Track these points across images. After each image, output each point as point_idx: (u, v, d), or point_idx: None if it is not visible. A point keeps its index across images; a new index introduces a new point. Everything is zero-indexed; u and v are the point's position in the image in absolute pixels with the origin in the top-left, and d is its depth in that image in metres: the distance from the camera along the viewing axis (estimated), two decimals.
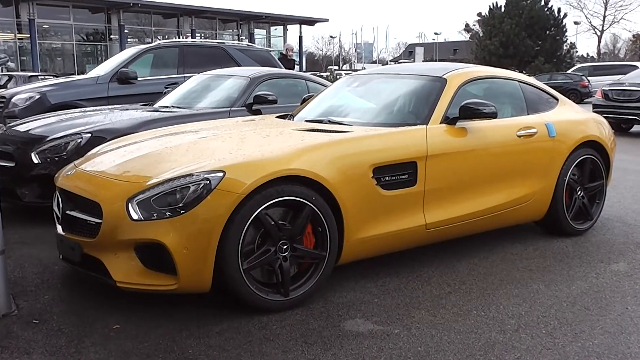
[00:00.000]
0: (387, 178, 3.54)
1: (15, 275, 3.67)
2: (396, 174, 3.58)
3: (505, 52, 37.62)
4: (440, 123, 3.92)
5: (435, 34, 74.60)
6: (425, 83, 4.28)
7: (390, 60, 67.08)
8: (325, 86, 6.24)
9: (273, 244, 3.15)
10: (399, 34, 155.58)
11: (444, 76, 4.21)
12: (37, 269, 3.84)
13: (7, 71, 22.78)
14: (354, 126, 3.97)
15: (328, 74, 34.36)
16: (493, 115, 3.93)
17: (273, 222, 3.14)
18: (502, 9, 39.09)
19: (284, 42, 45.02)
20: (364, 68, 33.29)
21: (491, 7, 40.03)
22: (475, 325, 3.04)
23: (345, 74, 6.29)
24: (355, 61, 67.76)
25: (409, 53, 75.98)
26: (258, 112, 5.88)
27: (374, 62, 69.25)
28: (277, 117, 4.76)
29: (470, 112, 3.89)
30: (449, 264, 3.99)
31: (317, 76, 9.57)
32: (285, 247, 3.19)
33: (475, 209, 4.00)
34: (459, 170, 3.90)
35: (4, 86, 16.73)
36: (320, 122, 4.22)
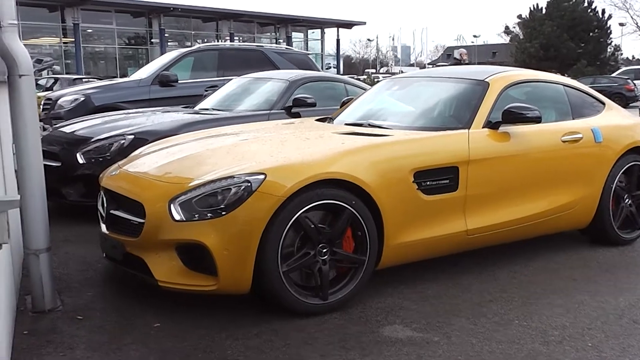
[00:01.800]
0: (428, 183, 3.50)
1: (60, 272, 3.75)
2: (437, 179, 3.54)
3: (545, 55, 36.93)
4: (483, 127, 3.86)
5: (474, 36, 73.79)
6: (467, 86, 4.23)
7: (429, 64, 66.61)
8: (364, 89, 6.22)
9: (312, 247, 3.15)
10: (437, 37, 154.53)
11: (486, 79, 4.15)
12: (81, 267, 3.92)
13: (53, 74, 23.38)
14: (394, 130, 3.94)
15: (365, 77, 34.25)
16: (537, 120, 3.85)
17: (313, 226, 3.13)
18: (543, 11, 38.43)
19: (322, 45, 45.14)
20: (402, 71, 33.07)
21: (531, 8, 39.38)
22: (517, 335, 2.97)
23: (383, 77, 6.24)
24: (393, 64, 67.53)
25: (447, 56, 75.27)
26: (297, 115, 5.89)
27: (411, 65, 68.87)
28: (317, 120, 4.76)
29: (513, 117, 3.82)
30: (489, 271, 3.92)
31: (355, 79, 9.55)
32: (324, 250, 3.18)
33: (517, 216, 3.92)
34: (501, 176, 3.83)
35: (50, 89, 17.18)
36: (360, 125, 4.20)
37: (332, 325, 3.07)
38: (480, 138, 3.78)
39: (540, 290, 3.59)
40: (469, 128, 3.81)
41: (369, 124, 4.19)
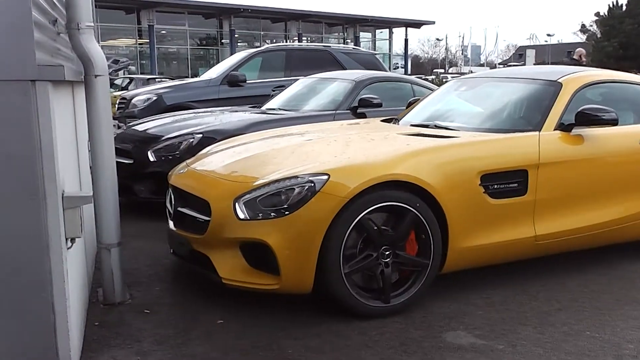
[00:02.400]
0: (495, 186, 3.41)
1: (130, 266, 3.88)
2: (505, 182, 3.44)
3: (624, 54, 35.35)
4: (554, 130, 3.72)
5: (548, 35, 71.36)
6: (539, 87, 4.09)
7: (499, 64, 65.01)
8: (431, 90, 6.13)
9: (375, 249, 3.12)
10: (508, 36, 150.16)
11: (559, 80, 4.00)
12: (150, 262, 4.05)
13: (129, 74, 24.30)
14: (461, 131, 3.86)
15: (434, 77, 33.76)
16: (613, 122, 3.68)
17: (375, 227, 3.11)
18: (623, 8, 36.74)
19: (389, 45, 44.84)
20: (471, 71, 32.37)
21: (611, 6, 37.78)
22: (588, 347, 2.85)
23: (452, 77, 6.13)
24: (462, 64, 66.24)
25: (518, 56, 73.13)
26: (363, 116, 5.88)
27: (482, 65, 67.37)
28: (382, 120, 4.73)
29: (587, 119, 3.67)
30: (559, 279, 3.78)
31: (423, 80, 9.43)
32: (387, 253, 3.15)
33: (590, 222, 3.75)
34: (573, 180, 3.68)
35: (126, 88, 17.87)
36: (426, 126, 4.14)
37: (393, 328, 3.04)
38: (552, 140, 3.65)
39: (613, 301, 3.43)
40: (539, 130, 3.69)
41: (435, 125, 4.12)
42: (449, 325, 3.08)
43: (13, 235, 2.26)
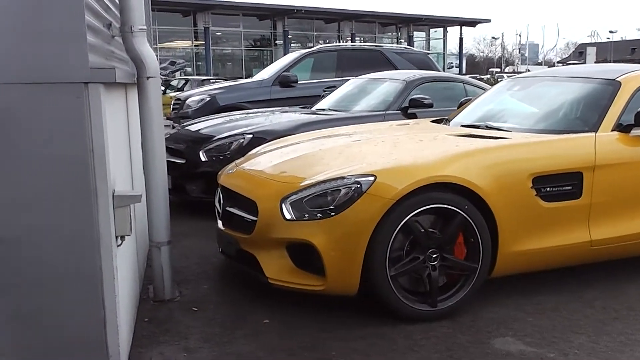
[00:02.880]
0: (548, 189, 3.30)
1: (179, 264, 3.96)
2: (559, 185, 3.33)
3: None
4: (612, 131, 3.58)
5: (610, 32, 69.00)
6: (596, 86, 3.94)
7: (558, 62, 63.19)
8: (485, 90, 6.01)
9: (422, 252, 3.08)
10: (568, 33, 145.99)
11: (617, 79, 3.84)
12: (199, 260, 4.12)
13: (185, 75, 24.85)
14: (514, 132, 3.76)
15: (489, 76, 33.09)
16: None
17: (423, 230, 3.07)
18: None
19: (444, 45, 44.29)
20: (528, 70, 31.50)
21: None
22: None
23: (508, 76, 5.98)
24: (519, 63, 64.66)
25: (579, 54, 70.91)
26: (413, 116, 5.81)
27: (539, 63, 65.62)
28: (432, 121, 4.66)
29: None
30: (616, 286, 3.63)
31: (477, 79, 9.27)
32: (434, 256, 3.10)
33: None
34: (632, 183, 3.53)
35: (181, 89, 18.29)
36: (477, 127, 4.06)
37: (440, 333, 2.99)
38: (609, 142, 3.51)
39: None
40: (596, 131, 3.56)
41: (487, 126, 4.03)
42: (497, 331, 3.01)
43: (66, 233, 2.33)
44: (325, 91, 8.10)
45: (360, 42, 34.44)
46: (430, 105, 5.77)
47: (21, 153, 2.25)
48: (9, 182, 2.25)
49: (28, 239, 2.29)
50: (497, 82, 6.15)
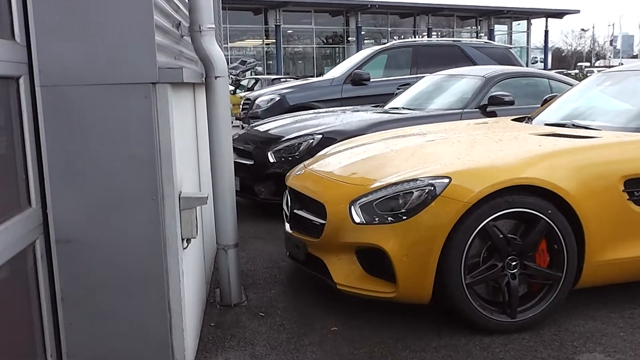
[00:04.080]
0: None
1: (247, 267, 3.92)
2: None
3: None
4: None
5: None
6: None
7: None
8: (572, 86, 5.65)
9: (500, 259, 2.88)
10: None
11: None
12: (267, 264, 4.06)
13: (255, 75, 25.12)
14: (603, 131, 3.49)
15: (577, 71, 31.53)
16: None
17: (502, 235, 2.87)
18: None
19: (527, 38, 42.74)
20: (621, 64, 29.74)
21: None
22: None
23: (599, 71, 5.60)
24: (612, 56, 61.35)
25: None
26: (493, 114, 5.54)
27: (635, 56, 62.07)
28: (513, 119, 4.42)
29: None
30: None
31: (564, 74, 8.80)
32: (514, 263, 2.90)
33: None
34: None
35: (252, 89, 18.45)
36: (563, 126, 3.79)
37: (520, 346, 2.78)
38: None
39: None
40: None
41: (573, 125, 3.77)
42: (584, 346, 2.77)
43: (134, 235, 2.31)
44: (398, 89, 7.91)
45: (437, 37, 33.77)
46: (512, 103, 5.49)
47: (93, 154, 2.25)
48: (82, 184, 2.26)
49: (99, 240, 2.29)
50: (587, 77, 5.77)
